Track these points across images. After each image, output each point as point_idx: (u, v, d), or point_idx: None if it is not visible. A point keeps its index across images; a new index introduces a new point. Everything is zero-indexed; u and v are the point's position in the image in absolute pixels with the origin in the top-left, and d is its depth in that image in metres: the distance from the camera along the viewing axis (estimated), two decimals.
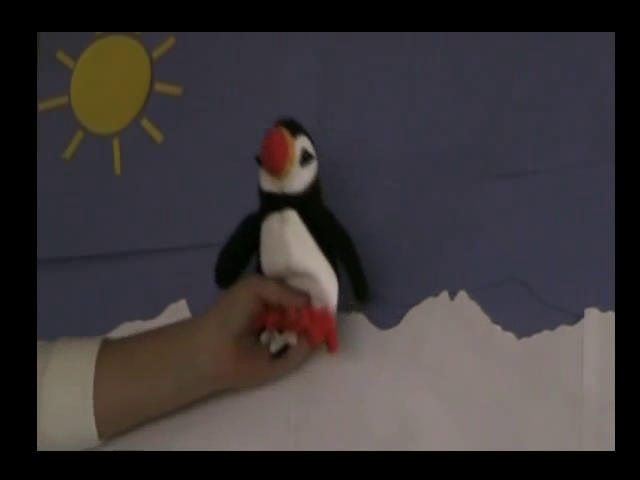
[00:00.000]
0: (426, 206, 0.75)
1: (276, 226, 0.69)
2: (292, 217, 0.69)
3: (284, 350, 0.71)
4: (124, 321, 0.81)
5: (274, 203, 0.69)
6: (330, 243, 0.70)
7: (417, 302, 0.72)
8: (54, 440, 0.69)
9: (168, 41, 0.90)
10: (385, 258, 0.74)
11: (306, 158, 0.68)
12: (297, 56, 0.84)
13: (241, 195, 0.74)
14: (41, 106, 0.93)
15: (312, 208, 0.69)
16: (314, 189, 0.70)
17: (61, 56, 0.95)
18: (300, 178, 0.68)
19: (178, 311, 0.80)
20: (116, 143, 0.89)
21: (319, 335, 0.69)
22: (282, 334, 0.71)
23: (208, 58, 0.88)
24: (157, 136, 0.88)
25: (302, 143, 0.68)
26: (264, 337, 0.71)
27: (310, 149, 0.69)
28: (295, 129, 0.68)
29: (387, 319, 0.72)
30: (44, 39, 0.93)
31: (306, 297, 0.69)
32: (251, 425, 0.72)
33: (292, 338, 0.70)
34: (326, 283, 0.69)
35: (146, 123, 0.89)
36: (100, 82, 0.93)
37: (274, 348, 0.71)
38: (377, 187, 0.77)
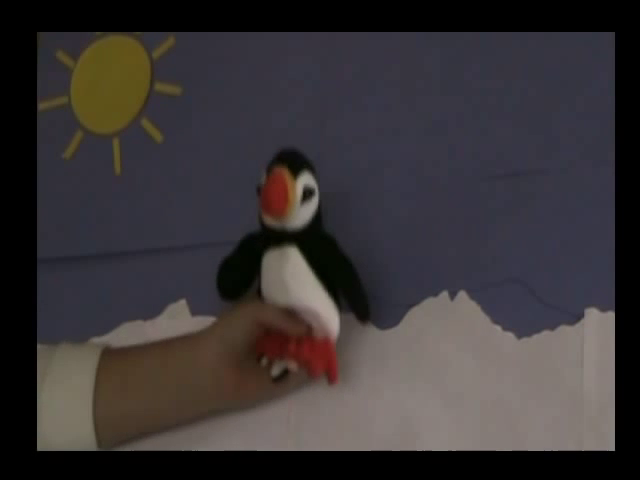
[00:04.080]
0: (426, 206, 0.75)
1: (275, 265, 0.68)
2: (292, 254, 0.68)
3: (284, 374, 0.71)
4: (124, 321, 0.81)
5: (274, 238, 0.69)
6: (331, 275, 0.69)
7: (417, 302, 0.72)
8: (54, 445, 0.69)
9: (168, 41, 0.90)
10: (385, 258, 0.74)
11: (307, 195, 0.67)
12: (297, 56, 0.84)
13: (241, 195, 0.74)
14: (41, 106, 0.93)
15: (313, 241, 0.68)
16: (315, 220, 0.69)
17: (61, 56, 0.95)
18: (301, 215, 0.67)
19: (178, 311, 0.80)
20: (116, 143, 0.89)
21: (319, 367, 0.68)
22: (282, 360, 0.71)
23: (208, 58, 0.88)
24: (157, 136, 0.88)
25: (304, 181, 0.67)
26: (264, 361, 0.71)
27: (312, 184, 0.67)
28: (297, 167, 0.67)
29: (387, 319, 0.72)
30: (44, 39, 0.93)
31: (307, 326, 0.69)
32: (251, 425, 0.72)
33: (292, 365, 0.70)
34: (326, 317, 0.68)
35: (146, 123, 0.89)
36: (100, 82, 0.93)
37: (275, 373, 0.71)
38: (377, 187, 0.77)
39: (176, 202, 0.85)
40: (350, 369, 0.71)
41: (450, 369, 0.69)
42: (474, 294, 0.70)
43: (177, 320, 0.79)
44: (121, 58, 0.92)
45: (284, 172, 0.66)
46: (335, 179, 0.76)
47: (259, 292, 0.71)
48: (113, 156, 0.89)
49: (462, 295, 0.71)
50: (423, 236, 0.74)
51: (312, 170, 0.68)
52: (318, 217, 0.69)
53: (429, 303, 0.72)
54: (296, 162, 0.67)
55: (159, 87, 0.90)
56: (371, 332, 0.72)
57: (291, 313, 0.69)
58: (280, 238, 0.68)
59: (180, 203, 0.84)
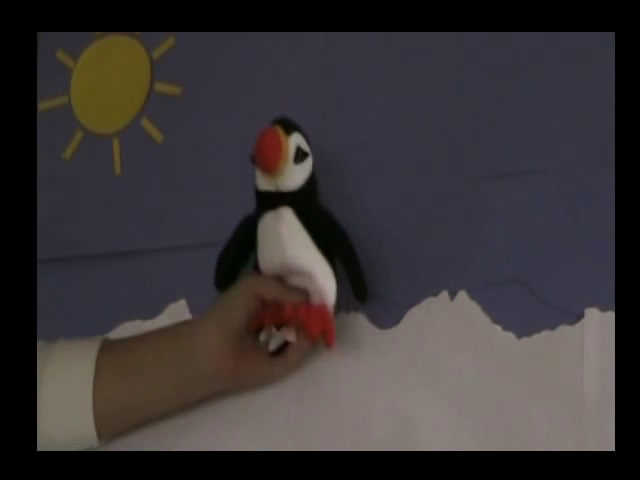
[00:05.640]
0: (426, 206, 0.75)
1: (271, 224, 0.69)
2: (287, 214, 0.69)
3: (283, 348, 0.71)
4: (124, 321, 0.81)
5: (269, 202, 0.69)
6: (327, 240, 0.70)
7: (417, 302, 0.72)
8: (54, 439, 0.69)
9: (168, 41, 0.90)
10: (385, 258, 0.74)
11: (300, 156, 0.68)
12: (297, 56, 0.84)
13: (241, 195, 0.74)
14: (41, 106, 0.93)
15: (308, 205, 0.70)
16: (310, 186, 0.70)
17: (61, 56, 0.95)
18: (295, 175, 0.68)
19: (178, 311, 0.80)
20: (116, 143, 0.89)
21: (316, 328, 0.69)
22: (280, 331, 0.71)
23: (208, 58, 0.88)
24: (157, 136, 0.88)
25: (296, 140, 0.68)
26: (263, 336, 0.72)
27: (305, 146, 0.69)
28: (289, 127, 0.68)
29: (387, 319, 0.72)
30: (44, 39, 0.93)
31: (304, 293, 0.69)
32: (250, 425, 0.72)
33: (291, 335, 0.70)
34: (322, 280, 0.69)
35: (146, 123, 0.89)
36: (100, 82, 0.93)
37: (273, 346, 0.71)
38: (377, 187, 0.77)
39: (176, 202, 0.85)
40: (350, 369, 0.71)
41: (450, 369, 0.69)
42: (474, 294, 0.70)
43: (177, 320, 0.79)
44: (121, 58, 0.93)
45: (276, 128, 0.67)
46: (335, 179, 0.76)
47: (256, 268, 0.71)
48: (113, 156, 0.89)
49: (462, 295, 0.71)
50: (423, 236, 0.74)
51: (305, 136, 0.70)
52: (312, 184, 0.70)
53: (429, 303, 0.72)
54: (288, 123, 0.69)
55: (159, 87, 0.90)
56: (371, 332, 0.72)
57: (287, 282, 0.69)
58: (275, 200, 0.69)
59: (180, 203, 0.84)
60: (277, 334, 0.71)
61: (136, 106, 0.90)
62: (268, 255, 0.70)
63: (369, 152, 0.79)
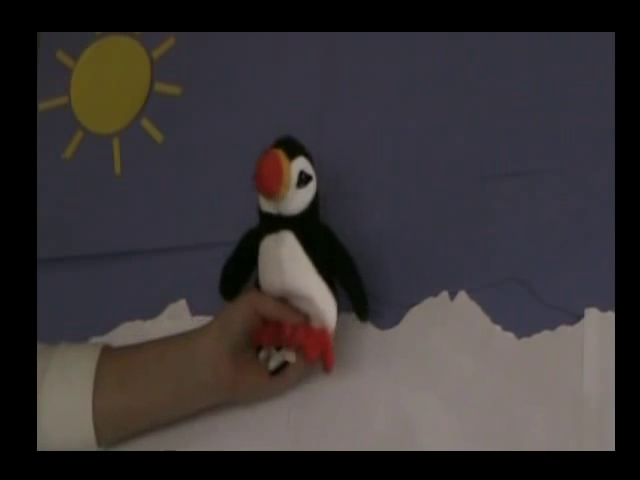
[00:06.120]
0: (426, 206, 0.75)
1: (272, 248, 0.69)
2: (288, 239, 0.68)
3: (282, 367, 0.71)
4: (124, 321, 0.81)
5: (271, 224, 0.69)
6: (328, 262, 0.69)
7: (417, 302, 0.72)
8: (54, 443, 0.69)
9: (168, 41, 0.90)
10: (385, 258, 0.74)
11: (304, 179, 0.67)
12: (297, 56, 0.84)
13: (241, 195, 0.74)
14: (41, 106, 0.93)
15: (309, 228, 0.69)
16: (312, 208, 0.69)
17: (61, 56, 0.95)
18: (297, 200, 0.68)
19: (178, 311, 0.80)
20: (116, 143, 0.89)
21: (314, 351, 0.69)
22: (280, 351, 0.71)
23: (208, 58, 0.88)
24: (157, 136, 0.88)
25: (299, 165, 0.67)
26: (263, 354, 0.71)
27: (309, 170, 0.68)
28: (293, 150, 0.67)
29: (387, 319, 0.72)
30: (44, 39, 0.93)
31: (304, 315, 0.69)
32: (250, 425, 0.72)
33: (290, 356, 0.70)
34: (322, 304, 0.68)
35: (146, 123, 0.89)
36: (100, 82, 0.93)
37: (272, 365, 0.71)
38: (377, 188, 0.77)
39: (176, 202, 0.85)
40: (350, 369, 0.71)
41: (450, 369, 0.69)
42: (474, 294, 0.70)
43: (177, 320, 0.79)
44: (121, 58, 0.92)
45: (279, 153, 0.66)
46: (335, 179, 0.76)
47: (257, 285, 0.71)
48: (113, 156, 0.89)
49: (462, 295, 0.71)
50: (423, 236, 0.74)
51: (309, 158, 0.69)
52: (315, 206, 0.69)
53: (429, 303, 0.72)
54: (292, 146, 0.68)
55: (159, 87, 0.90)
56: (371, 332, 0.72)
57: (288, 304, 0.69)
58: (276, 224, 0.68)
59: (180, 203, 0.84)
60: (277, 354, 0.71)
61: (136, 106, 0.90)
62: (269, 278, 0.69)
63: (369, 153, 0.79)
